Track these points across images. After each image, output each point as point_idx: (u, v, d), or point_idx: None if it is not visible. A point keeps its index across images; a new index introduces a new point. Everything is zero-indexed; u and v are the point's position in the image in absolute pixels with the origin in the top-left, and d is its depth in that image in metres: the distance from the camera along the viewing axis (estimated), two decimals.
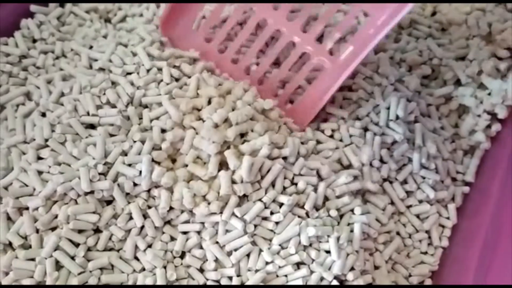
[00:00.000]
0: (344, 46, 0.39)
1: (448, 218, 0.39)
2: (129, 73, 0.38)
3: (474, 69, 0.42)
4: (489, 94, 0.42)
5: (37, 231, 0.33)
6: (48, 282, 0.31)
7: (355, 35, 0.38)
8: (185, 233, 0.34)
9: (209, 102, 0.36)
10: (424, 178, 0.38)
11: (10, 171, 0.35)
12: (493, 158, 0.41)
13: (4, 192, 0.34)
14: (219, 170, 0.33)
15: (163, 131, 0.35)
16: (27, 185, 0.34)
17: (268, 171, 0.34)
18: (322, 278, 0.32)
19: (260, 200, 0.33)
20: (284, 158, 0.35)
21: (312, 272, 0.32)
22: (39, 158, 0.35)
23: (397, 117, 0.38)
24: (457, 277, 0.34)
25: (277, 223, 0.33)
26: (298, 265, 0.33)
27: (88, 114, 0.36)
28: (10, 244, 0.33)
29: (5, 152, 0.35)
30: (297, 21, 0.39)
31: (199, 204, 0.33)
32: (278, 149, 0.34)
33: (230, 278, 0.33)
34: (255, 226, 0.33)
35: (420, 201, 0.38)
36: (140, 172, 0.33)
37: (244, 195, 0.33)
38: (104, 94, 0.37)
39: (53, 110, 0.37)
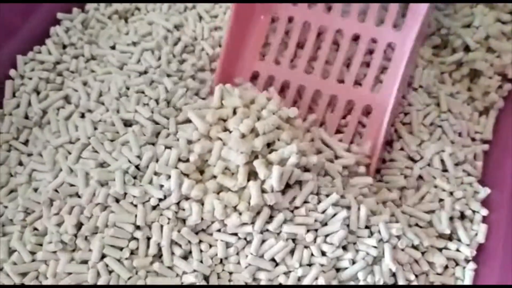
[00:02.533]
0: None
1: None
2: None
3: (481, 34, 0.45)
4: (498, 56, 0.45)
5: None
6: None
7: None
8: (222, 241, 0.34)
9: (234, 112, 0.36)
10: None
11: (58, 172, 0.36)
12: (507, 115, 0.44)
13: (55, 194, 0.35)
14: (248, 180, 0.33)
15: (189, 142, 0.35)
16: (73, 185, 0.35)
17: (299, 181, 0.35)
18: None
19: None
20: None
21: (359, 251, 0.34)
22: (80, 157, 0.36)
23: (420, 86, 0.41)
24: None
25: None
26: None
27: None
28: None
29: (53, 153, 0.37)
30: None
31: (231, 215, 0.33)
32: (305, 157, 0.35)
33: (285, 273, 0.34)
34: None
35: None
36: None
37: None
38: (144, 93, 0.39)
39: (94, 109, 0.39)
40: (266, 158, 0.34)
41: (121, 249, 0.34)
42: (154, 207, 0.34)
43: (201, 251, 0.34)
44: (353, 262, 0.34)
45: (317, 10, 0.42)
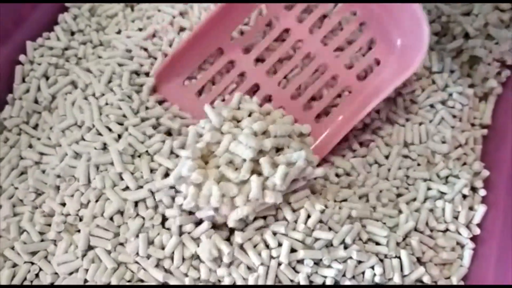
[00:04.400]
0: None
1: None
2: None
3: (481, 22, 0.46)
4: (497, 43, 0.45)
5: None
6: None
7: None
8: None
9: (250, 116, 0.37)
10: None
11: (64, 155, 0.37)
12: (505, 101, 0.45)
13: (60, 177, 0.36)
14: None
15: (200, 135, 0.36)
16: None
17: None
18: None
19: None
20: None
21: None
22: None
23: None
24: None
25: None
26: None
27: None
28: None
29: (59, 136, 0.38)
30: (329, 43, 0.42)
31: (227, 204, 0.33)
32: (312, 168, 0.35)
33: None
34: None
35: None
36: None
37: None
38: None
39: (104, 93, 0.40)
40: (274, 160, 0.34)
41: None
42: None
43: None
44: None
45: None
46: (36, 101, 0.41)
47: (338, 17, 0.42)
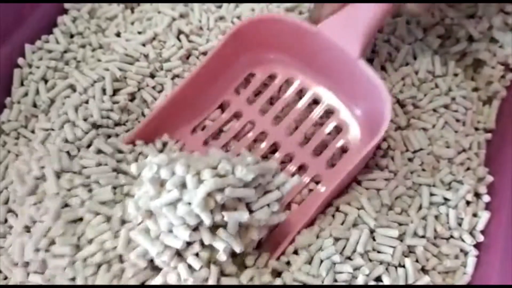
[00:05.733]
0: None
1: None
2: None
3: (485, 25, 0.45)
4: (501, 46, 0.45)
5: None
6: None
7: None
8: None
9: None
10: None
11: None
12: (509, 105, 0.44)
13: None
14: None
15: None
16: None
17: None
18: None
19: None
20: None
21: None
22: None
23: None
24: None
25: None
26: None
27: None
28: None
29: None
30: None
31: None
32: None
33: None
34: None
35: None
36: None
37: None
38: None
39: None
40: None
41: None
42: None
43: None
44: None
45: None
46: (34, 105, 0.41)
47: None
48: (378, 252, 0.35)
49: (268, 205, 0.32)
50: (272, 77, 0.42)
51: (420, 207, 0.38)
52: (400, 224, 0.36)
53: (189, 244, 0.31)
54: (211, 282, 0.31)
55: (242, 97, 0.41)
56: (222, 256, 0.31)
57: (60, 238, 0.33)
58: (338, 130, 0.41)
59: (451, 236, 0.37)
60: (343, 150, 0.40)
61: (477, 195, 0.39)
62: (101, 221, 0.34)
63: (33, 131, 0.40)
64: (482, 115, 0.44)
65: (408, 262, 0.34)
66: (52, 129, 0.38)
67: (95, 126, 0.38)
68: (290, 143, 0.40)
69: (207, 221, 0.30)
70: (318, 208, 0.36)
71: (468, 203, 0.38)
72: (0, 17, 0.41)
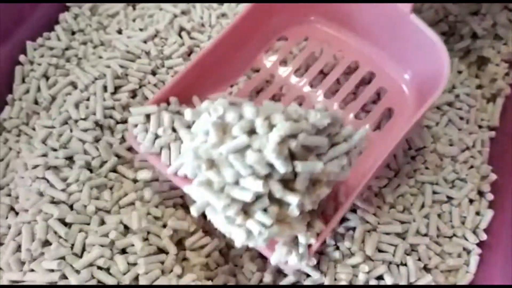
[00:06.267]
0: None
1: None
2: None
3: (489, 22, 0.45)
4: (505, 43, 0.45)
5: None
6: None
7: None
8: None
9: None
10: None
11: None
12: None
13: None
14: None
15: None
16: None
17: None
18: None
19: None
20: None
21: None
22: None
23: None
24: None
25: None
26: None
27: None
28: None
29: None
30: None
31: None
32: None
33: None
34: None
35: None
36: None
37: None
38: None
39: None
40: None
41: None
42: None
43: None
44: None
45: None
46: (36, 102, 0.41)
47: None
48: (380, 251, 0.34)
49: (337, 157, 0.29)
50: (306, 40, 0.39)
51: (423, 205, 0.38)
52: (403, 222, 0.36)
53: (255, 199, 0.27)
54: (282, 240, 0.29)
55: (274, 62, 0.39)
56: (294, 211, 0.28)
57: None
58: (383, 93, 0.38)
59: (454, 235, 0.37)
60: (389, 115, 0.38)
61: (481, 193, 0.39)
62: None
63: (34, 128, 0.40)
64: (486, 113, 0.43)
65: (410, 260, 0.34)
66: (53, 127, 0.38)
67: (98, 125, 0.38)
68: (330, 106, 0.37)
69: (282, 169, 0.26)
70: (374, 173, 0.33)
71: (471, 201, 0.38)
72: (2, 15, 0.41)
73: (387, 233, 0.35)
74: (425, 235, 0.36)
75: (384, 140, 0.34)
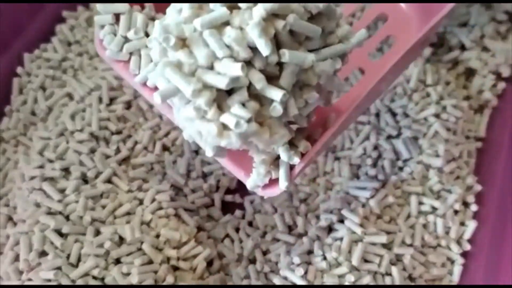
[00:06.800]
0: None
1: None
2: None
3: (477, 33, 0.46)
4: (493, 55, 0.45)
5: None
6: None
7: None
8: None
9: None
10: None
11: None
12: (500, 114, 0.45)
13: None
14: None
15: None
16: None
17: None
18: None
19: None
20: None
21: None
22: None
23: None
24: None
25: None
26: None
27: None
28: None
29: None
30: None
31: None
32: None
33: None
34: None
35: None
36: None
37: None
38: None
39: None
40: None
41: None
42: None
43: None
44: None
45: None
46: (33, 113, 0.42)
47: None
48: (366, 261, 0.36)
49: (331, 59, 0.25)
50: None
51: (408, 216, 0.39)
52: (389, 233, 0.37)
53: (230, 92, 0.23)
54: (263, 138, 0.24)
55: None
56: (277, 108, 0.24)
57: None
58: (383, 21, 0.37)
59: (438, 245, 0.38)
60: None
61: (466, 204, 0.40)
62: None
63: (31, 139, 0.41)
64: (473, 124, 0.44)
65: (395, 271, 0.35)
66: (50, 138, 0.39)
67: (93, 136, 0.39)
68: None
69: (265, 50, 0.22)
70: (362, 100, 0.28)
71: (456, 212, 0.39)
72: (0, 27, 0.42)
73: (373, 244, 0.36)
74: (410, 245, 0.37)
75: (382, 68, 0.30)
